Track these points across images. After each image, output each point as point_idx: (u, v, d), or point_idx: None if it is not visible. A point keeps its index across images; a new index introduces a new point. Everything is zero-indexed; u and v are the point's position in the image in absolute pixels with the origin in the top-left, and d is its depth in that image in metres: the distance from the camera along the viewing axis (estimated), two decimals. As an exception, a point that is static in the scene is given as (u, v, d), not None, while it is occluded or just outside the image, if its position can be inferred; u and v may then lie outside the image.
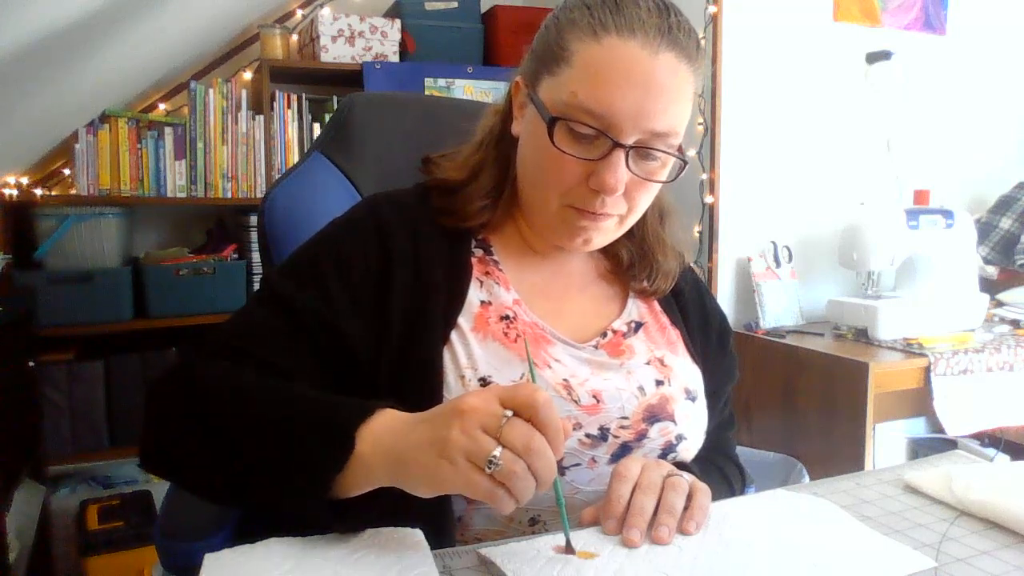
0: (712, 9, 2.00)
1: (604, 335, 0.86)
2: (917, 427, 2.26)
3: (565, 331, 0.84)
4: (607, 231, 0.82)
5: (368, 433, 0.61)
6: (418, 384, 0.76)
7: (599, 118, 0.73)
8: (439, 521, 0.71)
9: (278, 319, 0.76)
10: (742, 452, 1.02)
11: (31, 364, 2.02)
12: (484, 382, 0.76)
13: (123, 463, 2.28)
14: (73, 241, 2.13)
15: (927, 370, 1.75)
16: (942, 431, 1.80)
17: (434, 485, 0.59)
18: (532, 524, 0.78)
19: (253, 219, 2.27)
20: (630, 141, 0.74)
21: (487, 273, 0.84)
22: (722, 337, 0.97)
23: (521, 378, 0.77)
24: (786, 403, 1.90)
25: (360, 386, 0.76)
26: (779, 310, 2.05)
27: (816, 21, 2.10)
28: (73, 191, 2.21)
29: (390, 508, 0.63)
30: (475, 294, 0.82)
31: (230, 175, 2.33)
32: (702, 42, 0.79)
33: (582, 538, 0.65)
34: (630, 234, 0.89)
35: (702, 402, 0.87)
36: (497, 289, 0.83)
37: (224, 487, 0.67)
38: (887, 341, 1.85)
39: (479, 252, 0.86)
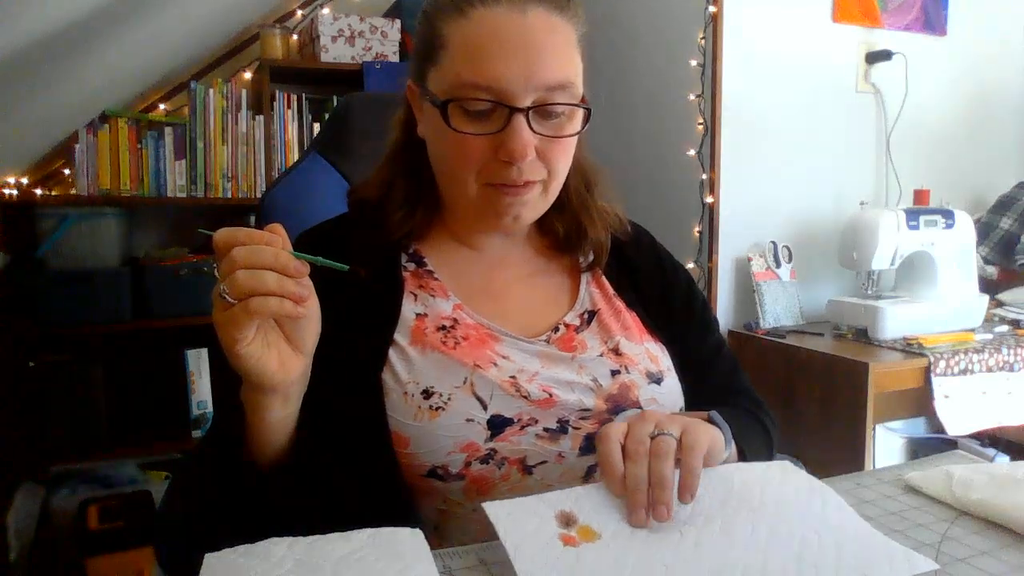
0: (712, 9, 2.00)
1: (556, 329, 0.85)
2: (917, 427, 2.26)
3: (514, 329, 0.83)
4: (533, 204, 0.80)
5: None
6: (364, 412, 0.76)
7: (488, 89, 0.73)
8: None
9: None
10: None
11: (31, 364, 2.03)
12: (427, 394, 0.76)
13: (123, 463, 2.28)
14: (73, 241, 2.13)
15: (927, 370, 1.75)
16: (942, 431, 1.79)
17: (226, 348, 0.62)
18: None
19: (253, 219, 2.27)
20: (526, 103, 0.74)
21: (421, 286, 0.84)
22: (688, 300, 0.95)
23: (464, 383, 0.77)
24: (786, 403, 1.90)
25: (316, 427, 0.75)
26: (779, 310, 2.05)
27: (816, 21, 2.10)
28: (73, 191, 2.21)
29: (367, 519, 0.63)
30: (409, 308, 0.82)
31: (230, 175, 2.33)
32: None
33: (585, 511, 0.65)
34: (561, 207, 0.88)
35: (671, 380, 0.86)
36: (433, 301, 0.83)
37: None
38: (887, 341, 1.85)
39: (411, 266, 0.86)
